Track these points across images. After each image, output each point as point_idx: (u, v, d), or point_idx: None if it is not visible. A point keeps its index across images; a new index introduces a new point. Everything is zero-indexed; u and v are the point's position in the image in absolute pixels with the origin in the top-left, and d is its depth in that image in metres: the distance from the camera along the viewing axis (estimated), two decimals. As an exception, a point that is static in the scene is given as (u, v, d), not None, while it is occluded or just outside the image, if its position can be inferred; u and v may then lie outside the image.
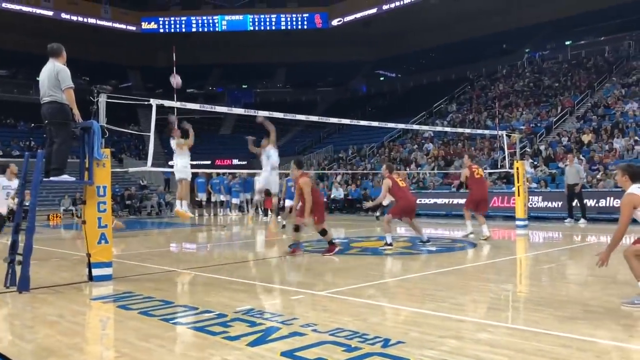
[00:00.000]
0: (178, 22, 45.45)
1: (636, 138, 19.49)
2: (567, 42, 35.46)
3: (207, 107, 10.15)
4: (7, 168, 11.03)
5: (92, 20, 41.98)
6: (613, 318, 4.91)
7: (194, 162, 34.94)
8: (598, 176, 17.40)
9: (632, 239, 5.47)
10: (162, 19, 45.33)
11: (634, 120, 21.44)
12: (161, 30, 45.13)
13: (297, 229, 9.80)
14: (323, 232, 9.68)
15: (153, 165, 8.50)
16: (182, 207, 11.92)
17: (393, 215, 10.48)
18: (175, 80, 11.39)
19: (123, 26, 43.94)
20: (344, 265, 8.78)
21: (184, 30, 45.31)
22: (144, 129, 32.12)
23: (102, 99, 7.35)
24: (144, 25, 45.01)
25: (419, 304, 5.63)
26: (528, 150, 21.91)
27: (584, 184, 15.96)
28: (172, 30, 45.19)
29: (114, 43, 44.29)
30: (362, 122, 14.04)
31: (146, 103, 7.93)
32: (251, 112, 10.14)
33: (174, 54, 12.26)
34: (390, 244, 10.09)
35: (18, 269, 6.66)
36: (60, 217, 23.53)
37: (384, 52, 46.75)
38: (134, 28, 44.61)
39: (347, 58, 46.68)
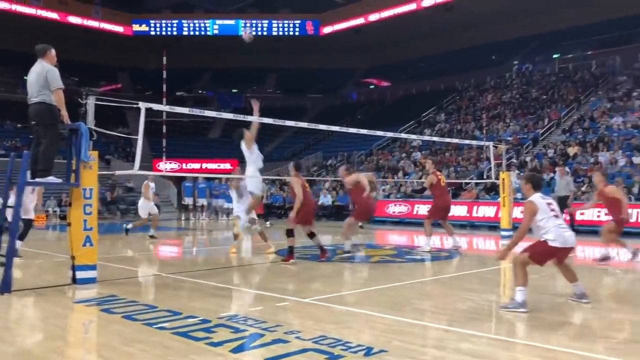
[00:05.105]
0: (169, 25, 45.23)
1: (620, 152, 19.75)
2: (555, 55, 35.86)
3: (197, 111, 10.17)
4: None
5: (82, 21, 41.74)
6: (593, 329, 4.98)
7: (185, 166, 34.25)
8: (583, 189, 17.57)
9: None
10: (154, 21, 45.11)
11: (618, 134, 21.73)
12: (152, 33, 44.88)
13: (311, 235, 9.64)
14: (289, 233, 9.45)
15: (140, 168, 8.49)
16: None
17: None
18: (247, 35, 11.20)
19: (114, 27, 43.75)
20: (330, 272, 8.79)
21: (175, 33, 45.13)
22: (132, 131, 31.93)
23: (91, 101, 7.33)
24: (135, 28, 44.74)
25: (402, 312, 5.66)
26: (514, 161, 22.09)
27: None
28: (163, 33, 44.96)
29: (104, 44, 44.02)
30: (351, 130, 14.12)
31: (135, 106, 7.90)
32: (240, 117, 10.18)
33: (164, 57, 12.28)
34: (350, 252, 10.19)
35: (0, 270, 6.61)
36: (45, 219, 23.29)
37: (375, 60, 46.95)
38: (124, 30, 44.45)
39: (337, 65, 46.78)
